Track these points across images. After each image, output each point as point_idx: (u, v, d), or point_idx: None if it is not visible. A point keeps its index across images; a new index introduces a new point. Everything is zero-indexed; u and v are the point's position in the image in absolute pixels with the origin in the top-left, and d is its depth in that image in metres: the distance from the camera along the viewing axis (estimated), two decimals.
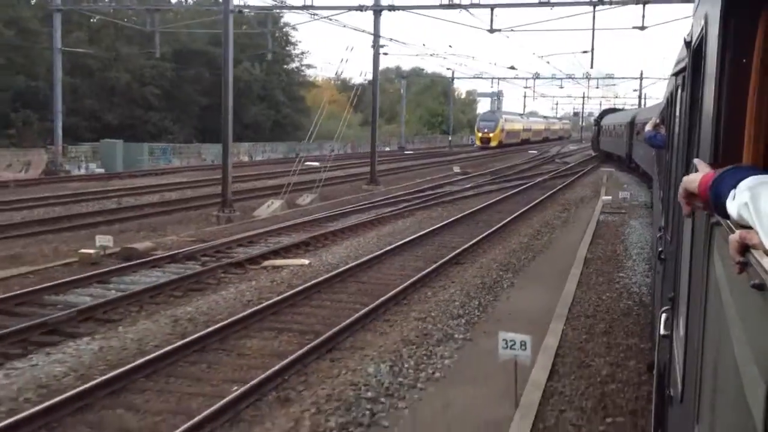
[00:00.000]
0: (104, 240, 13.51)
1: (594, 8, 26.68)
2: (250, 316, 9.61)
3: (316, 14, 28.27)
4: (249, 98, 51.13)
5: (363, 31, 30.28)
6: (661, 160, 8.51)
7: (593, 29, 28.10)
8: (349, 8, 28.31)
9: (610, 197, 24.12)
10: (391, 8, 28.77)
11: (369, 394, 7.07)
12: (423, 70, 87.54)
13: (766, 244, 1.20)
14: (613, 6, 26.90)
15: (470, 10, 27.59)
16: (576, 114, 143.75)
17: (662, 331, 3.45)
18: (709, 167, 1.65)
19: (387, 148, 62.31)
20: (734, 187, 1.37)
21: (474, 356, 8.35)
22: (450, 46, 57.97)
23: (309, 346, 8.36)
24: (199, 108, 47.86)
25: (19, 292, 10.61)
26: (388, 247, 14.73)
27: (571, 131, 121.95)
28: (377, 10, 28.95)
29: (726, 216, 1.42)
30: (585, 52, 33.67)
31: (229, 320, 9.31)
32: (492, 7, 27.68)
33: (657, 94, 69.19)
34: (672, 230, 4.46)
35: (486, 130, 69.54)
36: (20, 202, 21.44)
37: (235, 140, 48.67)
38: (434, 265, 12.95)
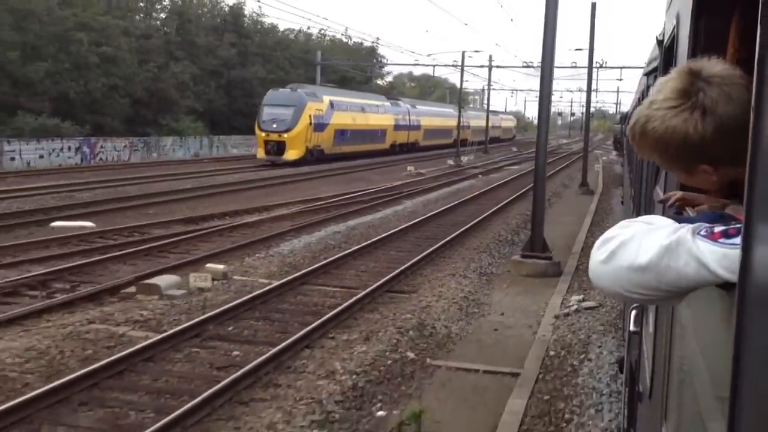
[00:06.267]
0: (459, 159, 42.15)
1: (597, 69, 55.80)
2: (514, 179, 37.98)
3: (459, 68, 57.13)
4: None
5: (478, 75, 59.36)
6: (631, 160, 8.46)
7: (597, 80, 57.27)
8: (474, 67, 57.50)
9: (606, 157, 53.20)
10: (497, 66, 57.90)
11: (551, 192, 35.90)
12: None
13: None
14: (606, 68, 56.12)
15: (536, 68, 56.68)
16: (560, 114, 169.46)
17: (632, 328, 3.41)
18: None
19: None
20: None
21: (591, 170, 37.33)
22: (513, 80, 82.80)
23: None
24: None
25: (434, 175, 39.08)
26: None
27: (514, 131, 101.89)
28: (489, 68, 58.02)
29: None
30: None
31: (510, 178, 37.82)
32: None
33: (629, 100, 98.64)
34: None
35: (274, 126, 38.67)
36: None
37: None
38: (562, 166, 41.64)
